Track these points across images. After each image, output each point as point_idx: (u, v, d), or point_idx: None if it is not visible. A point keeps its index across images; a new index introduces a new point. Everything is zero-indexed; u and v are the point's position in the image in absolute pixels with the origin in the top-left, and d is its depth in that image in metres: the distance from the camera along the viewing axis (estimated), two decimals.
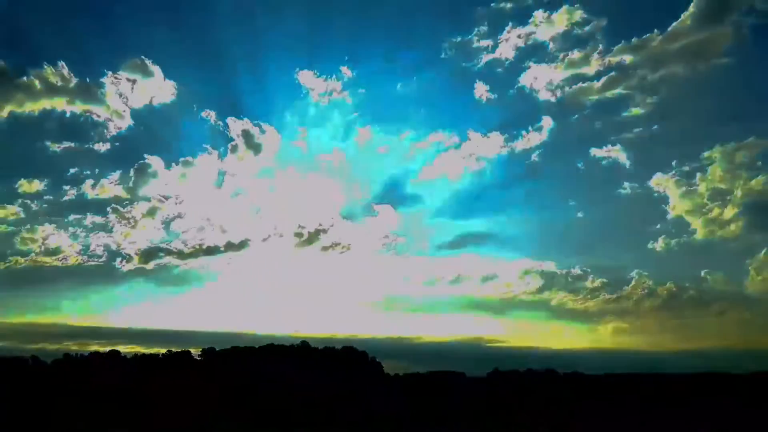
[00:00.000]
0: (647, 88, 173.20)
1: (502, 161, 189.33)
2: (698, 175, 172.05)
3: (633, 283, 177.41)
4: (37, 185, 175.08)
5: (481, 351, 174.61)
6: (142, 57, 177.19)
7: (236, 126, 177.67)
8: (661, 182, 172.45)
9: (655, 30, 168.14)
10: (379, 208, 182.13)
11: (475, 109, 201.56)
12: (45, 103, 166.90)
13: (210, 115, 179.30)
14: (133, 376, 69.65)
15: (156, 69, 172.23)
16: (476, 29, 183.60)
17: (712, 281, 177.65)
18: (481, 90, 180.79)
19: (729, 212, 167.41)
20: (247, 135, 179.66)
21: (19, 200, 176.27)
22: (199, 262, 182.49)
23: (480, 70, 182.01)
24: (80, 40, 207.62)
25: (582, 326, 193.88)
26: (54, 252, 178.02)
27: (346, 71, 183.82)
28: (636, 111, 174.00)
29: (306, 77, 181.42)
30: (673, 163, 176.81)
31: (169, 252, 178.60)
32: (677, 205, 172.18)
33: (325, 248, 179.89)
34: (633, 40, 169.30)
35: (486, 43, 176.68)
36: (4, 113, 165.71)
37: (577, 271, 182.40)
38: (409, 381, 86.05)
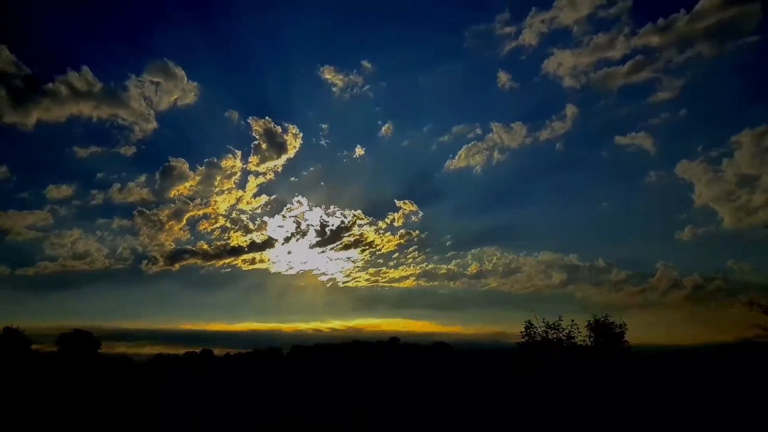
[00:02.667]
0: (674, 70, 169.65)
1: (526, 152, 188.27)
2: (725, 160, 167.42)
3: (658, 274, 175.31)
4: (65, 190, 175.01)
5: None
6: (165, 59, 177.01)
7: (258, 125, 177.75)
8: (686, 169, 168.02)
9: (682, 10, 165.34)
10: (402, 204, 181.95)
11: (498, 99, 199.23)
12: (72, 109, 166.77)
13: (233, 115, 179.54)
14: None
15: (179, 71, 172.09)
16: (498, 16, 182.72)
17: (740, 271, 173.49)
18: (503, 79, 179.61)
19: (758, 198, 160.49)
20: (269, 134, 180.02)
21: (48, 206, 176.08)
22: (223, 263, 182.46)
23: (503, 58, 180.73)
24: (103, 45, 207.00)
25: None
26: (82, 256, 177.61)
27: (367, 65, 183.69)
28: (663, 95, 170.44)
29: (327, 73, 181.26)
30: (699, 149, 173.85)
31: (194, 254, 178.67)
32: (703, 193, 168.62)
33: (347, 246, 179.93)
34: (659, 21, 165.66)
35: (509, 30, 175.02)
36: (32, 120, 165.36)
37: (601, 263, 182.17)
38: None
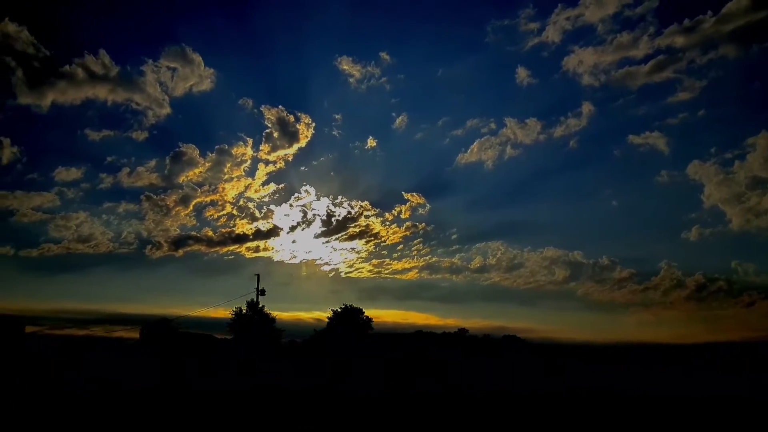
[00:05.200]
0: (696, 71, 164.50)
1: (539, 148, 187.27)
2: (737, 162, 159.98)
3: (661, 273, 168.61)
4: (74, 173, 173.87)
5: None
6: (183, 44, 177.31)
7: (271, 114, 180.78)
8: (698, 170, 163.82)
9: (709, 11, 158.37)
10: (410, 196, 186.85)
11: (515, 95, 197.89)
12: (87, 92, 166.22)
13: (247, 103, 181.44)
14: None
15: (197, 57, 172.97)
16: (522, 12, 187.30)
17: (743, 272, 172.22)
18: (522, 75, 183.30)
19: None
20: (282, 123, 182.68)
21: (56, 188, 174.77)
22: (227, 250, 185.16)
23: (524, 54, 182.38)
24: (121, 29, 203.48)
25: (607, 317, 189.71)
26: (87, 239, 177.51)
27: (386, 57, 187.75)
28: (683, 95, 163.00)
29: (345, 63, 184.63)
30: (713, 150, 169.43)
31: (198, 240, 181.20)
32: (713, 194, 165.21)
33: (352, 236, 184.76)
34: (685, 21, 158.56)
35: (533, 26, 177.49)
36: (47, 102, 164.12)
37: (605, 261, 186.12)
38: None
